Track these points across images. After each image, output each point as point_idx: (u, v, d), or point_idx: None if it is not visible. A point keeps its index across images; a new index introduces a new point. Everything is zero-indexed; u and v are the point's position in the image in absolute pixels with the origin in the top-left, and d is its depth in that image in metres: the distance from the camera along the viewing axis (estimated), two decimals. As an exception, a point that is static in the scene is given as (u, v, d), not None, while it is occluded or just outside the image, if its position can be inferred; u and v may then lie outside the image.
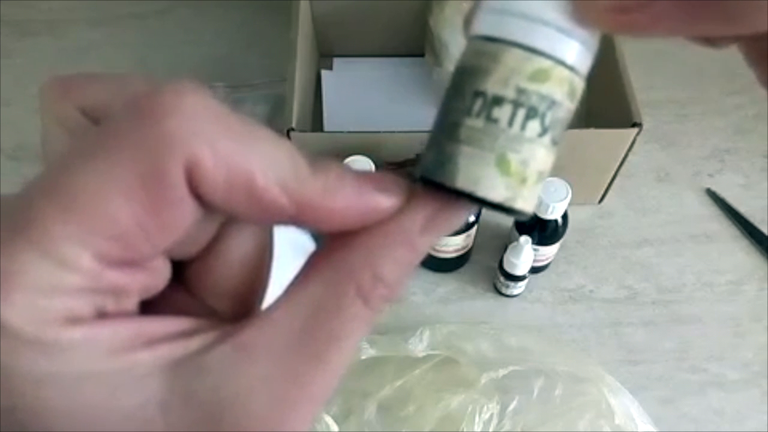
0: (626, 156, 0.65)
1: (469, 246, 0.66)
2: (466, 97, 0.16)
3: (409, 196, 0.17)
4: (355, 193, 0.16)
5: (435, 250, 0.64)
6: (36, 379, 0.14)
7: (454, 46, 0.70)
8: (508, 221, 0.67)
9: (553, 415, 0.57)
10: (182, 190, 0.15)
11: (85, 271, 0.14)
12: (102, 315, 0.15)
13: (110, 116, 0.15)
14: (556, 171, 0.60)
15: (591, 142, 0.64)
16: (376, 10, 0.75)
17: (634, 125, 0.61)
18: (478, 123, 0.16)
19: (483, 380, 0.58)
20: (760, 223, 0.71)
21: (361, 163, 0.58)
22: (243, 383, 0.16)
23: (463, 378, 0.58)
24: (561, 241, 0.64)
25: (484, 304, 0.67)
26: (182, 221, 0.15)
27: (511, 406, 0.57)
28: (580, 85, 0.17)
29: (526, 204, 0.17)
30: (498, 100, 0.16)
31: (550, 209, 0.59)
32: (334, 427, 0.55)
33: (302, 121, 0.64)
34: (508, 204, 0.16)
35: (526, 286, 0.67)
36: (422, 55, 0.79)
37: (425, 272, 0.69)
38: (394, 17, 0.76)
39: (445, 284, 0.68)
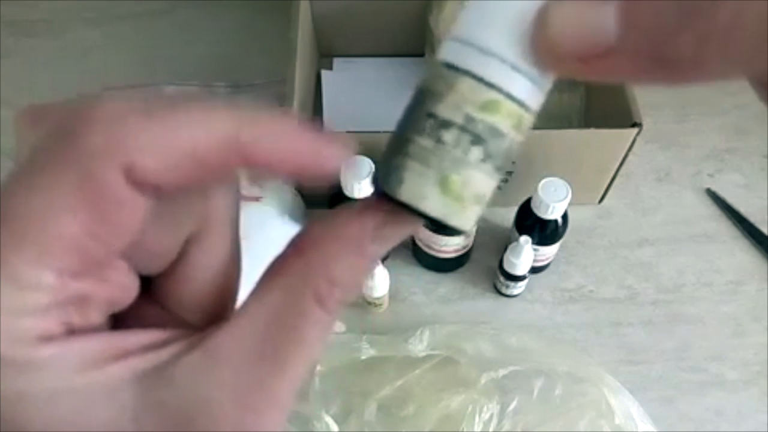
0: (626, 156, 0.65)
1: (469, 246, 0.66)
2: (420, 117, 0.18)
3: (363, 206, 0.18)
4: (299, 139, 0.17)
5: (435, 250, 0.64)
6: (12, 397, 0.15)
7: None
8: (508, 221, 0.67)
9: (553, 415, 0.57)
10: (123, 191, 0.15)
11: (48, 288, 0.15)
12: (71, 331, 0.16)
13: (40, 140, 0.15)
14: (557, 171, 0.60)
15: (591, 142, 0.64)
16: (376, 10, 0.75)
17: (634, 125, 0.61)
18: (426, 142, 0.17)
19: (483, 380, 0.58)
20: (760, 223, 0.71)
21: (361, 163, 0.58)
22: (210, 391, 0.16)
23: (463, 378, 0.58)
24: (561, 241, 0.64)
25: (484, 304, 0.67)
26: (132, 219, 0.16)
27: (511, 406, 0.57)
28: (528, 119, 0.18)
29: (461, 222, 0.18)
30: (446, 124, 0.17)
31: (550, 209, 0.59)
32: (334, 427, 0.55)
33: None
34: (443, 220, 0.18)
35: (526, 286, 0.67)
36: (422, 55, 0.79)
37: (425, 272, 0.69)
38: (394, 17, 0.76)
39: (445, 284, 0.68)
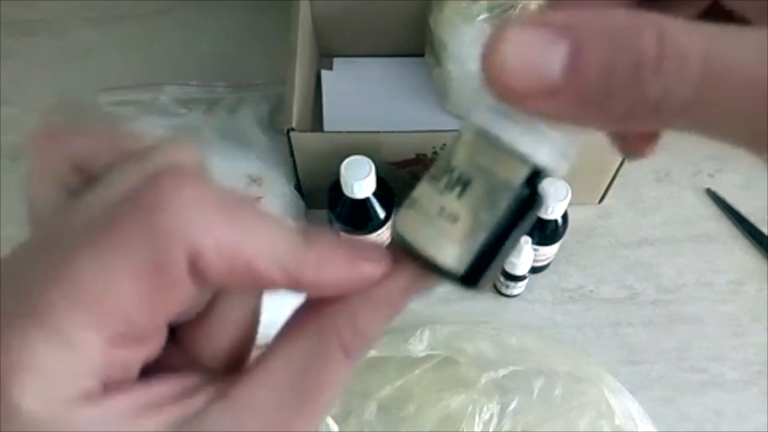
0: (626, 156, 0.65)
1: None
2: (430, 168, 0.19)
3: (393, 261, 0.19)
4: (347, 265, 0.18)
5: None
6: None
7: (454, 46, 0.70)
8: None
9: (553, 415, 0.57)
10: (184, 277, 0.16)
11: (95, 354, 0.15)
12: (109, 387, 0.16)
13: (112, 208, 0.16)
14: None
15: (591, 142, 0.64)
16: (376, 10, 0.75)
17: (634, 125, 0.61)
18: (422, 187, 0.19)
19: (483, 380, 0.58)
20: (760, 223, 0.71)
21: (361, 163, 0.58)
22: None
23: (463, 378, 0.58)
24: (561, 241, 0.64)
25: (484, 304, 0.67)
26: (184, 300, 0.17)
27: (511, 406, 0.57)
28: (462, 133, 0.19)
29: (450, 260, 0.19)
30: (450, 170, 0.19)
31: (550, 209, 0.59)
32: (334, 427, 0.55)
33: (302, 121, 0.64)
34: (403, 237, 0.19)
35: (526, 286, 0.67)
36: (422, 55, 0.79)
37: (425, 272, 0.68)
38: (394, 17, 0.76)
39: (445, 284, 0.68)
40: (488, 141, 0.18)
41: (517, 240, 0.19)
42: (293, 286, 0.18)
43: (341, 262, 0.18)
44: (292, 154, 0.63)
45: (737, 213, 0.72)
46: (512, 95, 0.15)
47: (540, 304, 0.68)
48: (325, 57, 0.81)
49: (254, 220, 0.17)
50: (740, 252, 0.71)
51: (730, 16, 0.21)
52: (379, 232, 0.63)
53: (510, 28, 0.15)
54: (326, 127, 0.75)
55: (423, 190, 0.19)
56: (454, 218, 0.18)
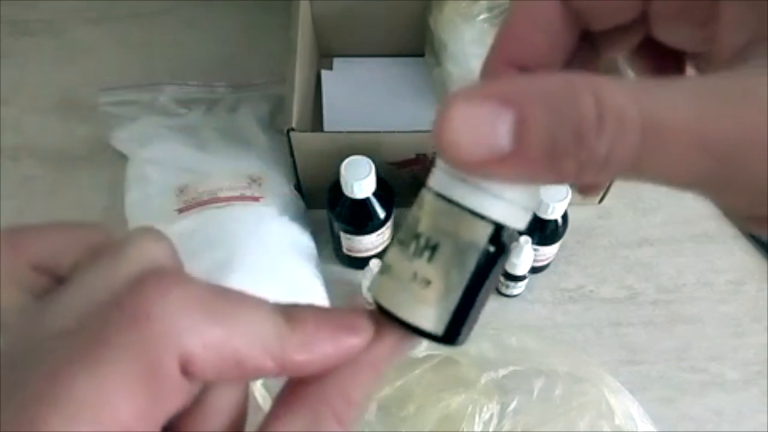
0: (626, 156, 0.65)
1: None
2: (398, 232, 0.20)
3: (376, 326, 0.20)
4: (332, 341, 0.19)
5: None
6: None
7: (454, 46, 0.70)
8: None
9: (553, 415, 0.57)
10: (178, 380, 0.16)
11: None
12: None
13: (97, 317, 0.16)
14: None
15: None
16: (376, 10, 0.75)
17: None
18: (393, 254, 0.20)
19: (483, 380, 0.58)
20: (760, 223, 0.71)
21: (361, 163, 0.58)
22: None
23: (463, 378, 0.58)
24: (561, 241, 0.64)
25: (484, 304, 0.67)
26: (178, 402, 0.17)
27: (511, 406, 0.57)
28: (425, 195, 0.20)
29: (428, 323, 0.19)
30: (417, 236, 0.19)
31: (550, 209, 0.59)
32: (334, 427, 0.55)
33: (302, 121, 0.64)
34: (413, 324, 0.19)
35: (526, 286, 0.67)
36: (422, 55, 0.79)
37: (425, 272, 0.68)
38: (394, 17, 0.76)
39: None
40: (448, 204, 0.19)
41: (490, 290, 0.20)
42: (282, 371, 0.18)
43: (326, 339, 0.19)
44: (292, 154, 0.63)
45: (737, 213, 0.72)
46: (466, 166, 0.16)
47: (540, 304, 0.68)
48: (325, 57, 0.81)
49: (238, 311, 0.17)
50: (740, 252, 0.71)
51: (664, 49, 0.22)
52: (379, 232, 0.63)
53: (455, 104, 0.16)
54: (326, 127, 0.75)
55: (394, 257, 0.20)
56: (426, 282, 0.19)
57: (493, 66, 0.21)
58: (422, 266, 0.19)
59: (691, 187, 0.16)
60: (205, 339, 0.16)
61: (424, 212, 0.19)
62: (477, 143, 0.16)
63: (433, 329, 0.19)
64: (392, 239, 0.21)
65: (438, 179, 0.19)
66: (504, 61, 0.21)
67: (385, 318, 0.20)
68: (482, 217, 0.19)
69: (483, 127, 0.16)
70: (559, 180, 0.16)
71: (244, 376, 0.18)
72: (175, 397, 0.17)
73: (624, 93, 0.15)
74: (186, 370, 0.16)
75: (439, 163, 0.19)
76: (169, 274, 0.17)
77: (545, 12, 0.20)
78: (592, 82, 0.15)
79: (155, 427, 0.17)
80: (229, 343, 0.17)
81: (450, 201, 0.19)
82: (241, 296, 0.18)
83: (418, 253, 0.19)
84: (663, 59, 0.23)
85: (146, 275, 0.17)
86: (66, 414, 0.15)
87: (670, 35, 0.21)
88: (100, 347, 0.16)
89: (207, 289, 0.17)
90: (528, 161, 0.16)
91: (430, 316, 0.19)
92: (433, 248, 0.19)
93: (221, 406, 0.20)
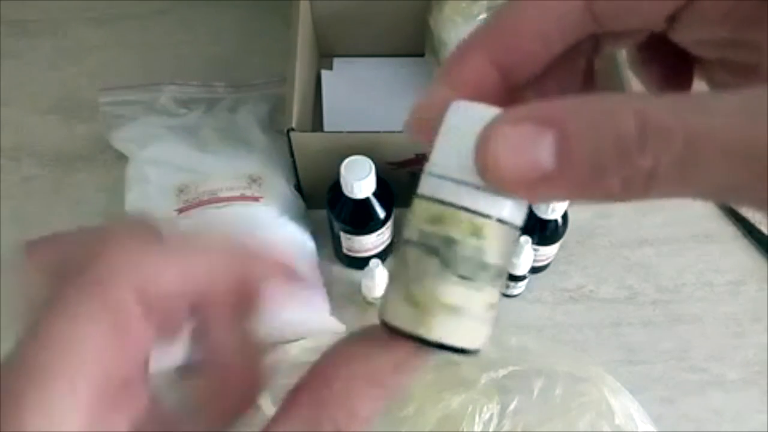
0: (626, 156, 0.65)
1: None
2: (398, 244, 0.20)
3: (387, 344, 0.19)
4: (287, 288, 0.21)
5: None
6: None
7: (454, 45, 0.70)
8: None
9: (553, 415, 0.57)
10: (137, 313, 0.18)
11: (83, 415, 0.17)
12: None
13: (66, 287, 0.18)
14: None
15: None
16: (376, 10, 0.75)
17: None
18: (397, 264, 0.19)
19: (483, 380, 0.58)
20: (760, 223, 0.71)
21: (361, 163, 0.58)
22: None
23: (463, 378, 0.58)
24: (561, 241, 0.64)
25: (484, 304, 0.67)
26: (145, 344, 0.19)
27: (511, 406, 0.57)
28: (485, 223, 0.18)
29: (435, 334, 0.18)
30: (407, 243, 0.19)
31: (550, 209, 0.59)
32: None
33: (302, 121, 0.64)
34: (416, 334, 0.18)
35: (526, 286, 0.67)
36: (422, 55, 0.79)
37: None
38: (394, 17, 0.76)
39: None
40: (506, 227, 0.18)
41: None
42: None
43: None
44: (292, 154, 0.63)
45: (737, 213, 0.72)
46: (510, 186, 0.17)
47: (540, 304, 0.68)
48: (325, 57, 0.81)
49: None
50: (740, 252, 0.71)
51: (669, 48, 0.22)
52: (379, 232, 0.63)
53: (496, 127, 0.16)
54: (326, 127, 0.75)
55: (461, 293, 0.19)
56: (492, 306, 0.19)
57: (470, 62, 0.20)
58: (491, 293, 0.19)
59: (740, 199, 0.16)
60: (158, 271, 0.18)
61: (488, 242, 0.18)
62: (520, 163, 0.16)
63: (480, 346, 0.19)
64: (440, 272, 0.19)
65: (489, 204, 0.18)
66: (487, 57, 0.20)
67: (395, 335, 0.19)
68: (509, 223, 0.18)
69: (525, 146, 0.16)
70: (604, 198, 0.16)
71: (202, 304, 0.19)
72: (139, 337, 0.18)
73: (665, 108, 0.15)
74: (144, 302, 0.18)
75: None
76: (122, 231, 0.20)
77: (562, 11, 0.19)
78: (633, 99, 0.15)
79: (130, 376, 0.18)
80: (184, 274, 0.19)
81: (507, 223, 0.18)
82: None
83: (489, 281, 0.19)
84: (666, 57, 0.23)
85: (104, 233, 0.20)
86: (58, 361, 0.17)
87: (698, 38, 0.21)
88: (64, 297, 0.18)
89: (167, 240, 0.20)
90: (571, 179, 0.16)
91: (484, 334, 0.19)
92: (494, 271, 0.19)
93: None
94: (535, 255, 0.63)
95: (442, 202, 0.18)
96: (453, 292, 0.18)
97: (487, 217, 0.18)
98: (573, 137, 0.16)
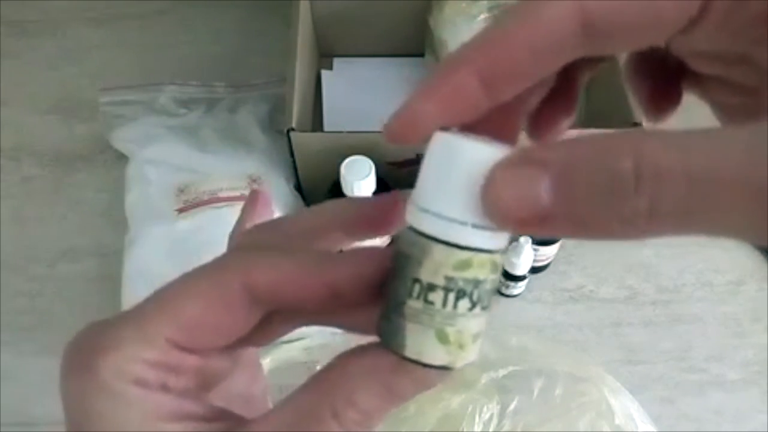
0: (626, 156, 0.65)
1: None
2: (407, 282, 0.20)
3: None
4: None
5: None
6: (94, 414, 0.19)
7: (454, 46, 0.70)
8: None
9: (553, 415, 0.57)
10: (242, 300, 0.20)
11: (159, 348, 0.20)
12: (163, 387, 0.20)
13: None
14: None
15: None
16: (376, 10, 0.75)
17: (634, 125, 0.61)
18: (417, 304, 0.19)
19: (483, 380, 0.58)
20: (760, 223, 0.71)
21: (361, 163, 0.58)
22: None
23: (463, 378, 0.58)
24: (561, 241, 0.64)
25: (484, 304, 0.67)
26: (239, 325, 0.21)
27: (511, 406, 0.57)
28: (500, 259, 0.20)
29: (465, 361, 0.20)
30: (432, 287, 0.19)
31: (550, 209, 0.59)
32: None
33: (302, 121, 0.64)
34: (450, 366, 0.20)
35: (526, 286, 0.67)
36: (422, 55, 0.79)
37: (425, 272, 0.68)
38: (394, 17, 0.76)
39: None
40: (484, 254, 0.19)
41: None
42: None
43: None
44: (292, 154, 0.63)
45: (737, 213, 0.72)
46: (513, 225, 0.17)
47: (540, 304, 0.68)
48: (325, 57, 0.81)
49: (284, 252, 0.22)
50: (740, 252, 0.71)
51: (662, 59, 0.22)
52: (379, 232, 0.63)
53: (497, 169, 0.17)
54: (326, 127, 0.75)
55: (464, 323, 0.20)
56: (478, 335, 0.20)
57: (454, 76, 0.20)
58: (478, 321, 0.20)
59: (748, 237, 0.16)
60: (266, 270, 0.20)
61: (427, 257, 0.19)
62: (520, 203, 0.17)
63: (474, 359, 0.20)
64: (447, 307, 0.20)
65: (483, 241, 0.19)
66: (472, 69, 0.19)
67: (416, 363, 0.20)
68: (487, 251, 0.19)
69: (524, 186, 0.16)
70: (606, 236, 0.16)
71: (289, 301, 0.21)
72: (237, 317, 0.21)
73: (666, 147, 0.15)
74: (250, 293, 0.20)
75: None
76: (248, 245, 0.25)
77: (555, 26, 0.19)
78: (632, 139, 0.16)
79: (210, 344, 0.21)
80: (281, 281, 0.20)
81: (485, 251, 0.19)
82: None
83: (476, 308, 0.20)
84: (656, 69, 0.23)
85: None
86: (157, 304, 0.20)
87: (700, 50, 0.20)
88: (191, 274, 0.21)
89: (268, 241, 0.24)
90: (570, 218, 0.16)
91: (475, 353, 0.20)
92: (475, 298, 0.20)
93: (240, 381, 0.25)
94: (535, 255, 0.63)
95: (462, 248, 0.19)
96: (479, 322, 0.20)
97: (499, 252, 0.20)
98: (570, 178, 0.16)
